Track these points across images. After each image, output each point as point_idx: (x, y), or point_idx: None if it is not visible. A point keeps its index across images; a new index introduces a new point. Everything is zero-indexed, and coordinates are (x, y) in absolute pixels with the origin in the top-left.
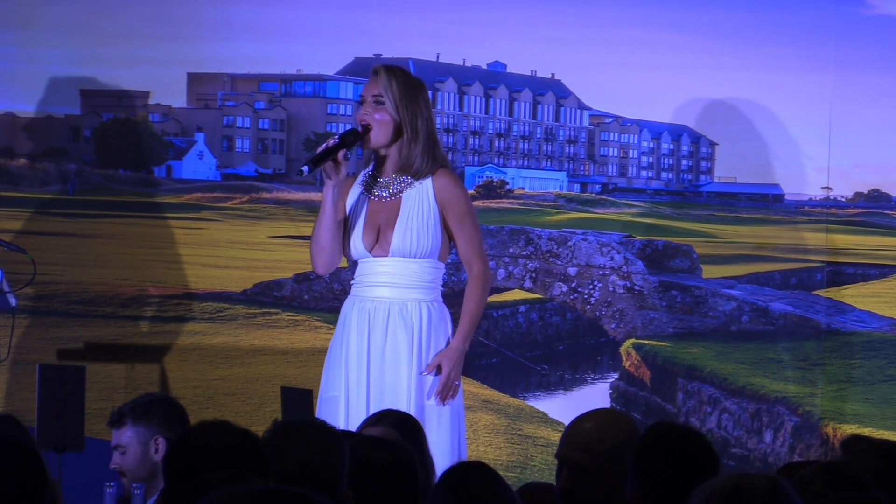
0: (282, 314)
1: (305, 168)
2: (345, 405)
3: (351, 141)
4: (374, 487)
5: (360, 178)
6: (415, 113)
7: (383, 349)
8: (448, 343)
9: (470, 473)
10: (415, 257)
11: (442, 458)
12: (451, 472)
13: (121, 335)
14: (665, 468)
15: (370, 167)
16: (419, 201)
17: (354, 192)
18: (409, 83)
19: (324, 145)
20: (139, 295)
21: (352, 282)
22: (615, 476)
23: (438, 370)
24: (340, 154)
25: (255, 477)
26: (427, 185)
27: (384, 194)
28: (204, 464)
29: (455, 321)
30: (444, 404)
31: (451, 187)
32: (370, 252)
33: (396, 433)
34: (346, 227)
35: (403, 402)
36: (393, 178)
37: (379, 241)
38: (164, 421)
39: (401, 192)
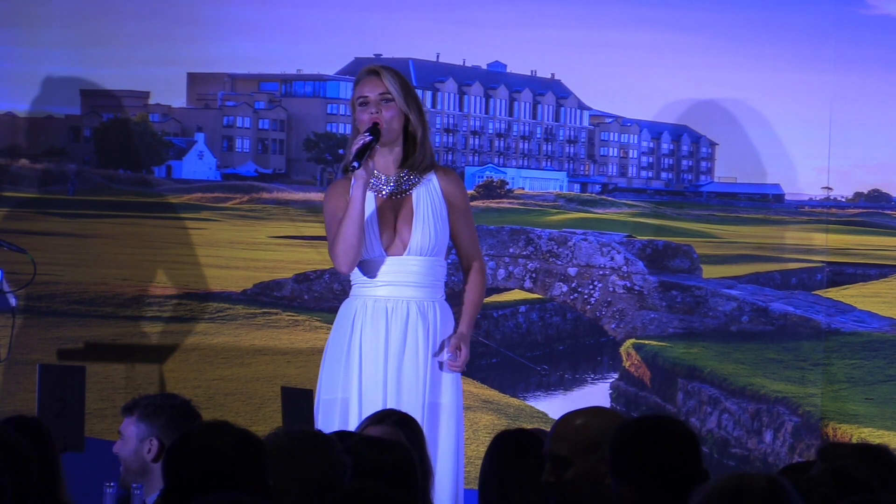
0: (282, 314)
1: (356, 163)
2: (357, 405)
3: (377, 137)
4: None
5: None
6: (418, 108)
7: (402, 348)
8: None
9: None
10: (429, 255)
11: (450, 454)
12: (505, 437)
13: (121, 335)
14: (644, 462)
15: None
16: (430, 198)
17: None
18: (405, 79)
19: (361, 141)
20: (139, 295)
21: (353, 281)
22: (595, 467)
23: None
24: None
25: (254, 477)
26: (432, 180)
27: (391, 190)
28: (204, 464)
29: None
30: (455, 371)
31: (457, 183)
32: (386, 251)
33: (399, 432)
34: None
35: (419, 401)
36: (397, 175)
37: (395, 239)
38: (166, 426)
39: (409, 189)
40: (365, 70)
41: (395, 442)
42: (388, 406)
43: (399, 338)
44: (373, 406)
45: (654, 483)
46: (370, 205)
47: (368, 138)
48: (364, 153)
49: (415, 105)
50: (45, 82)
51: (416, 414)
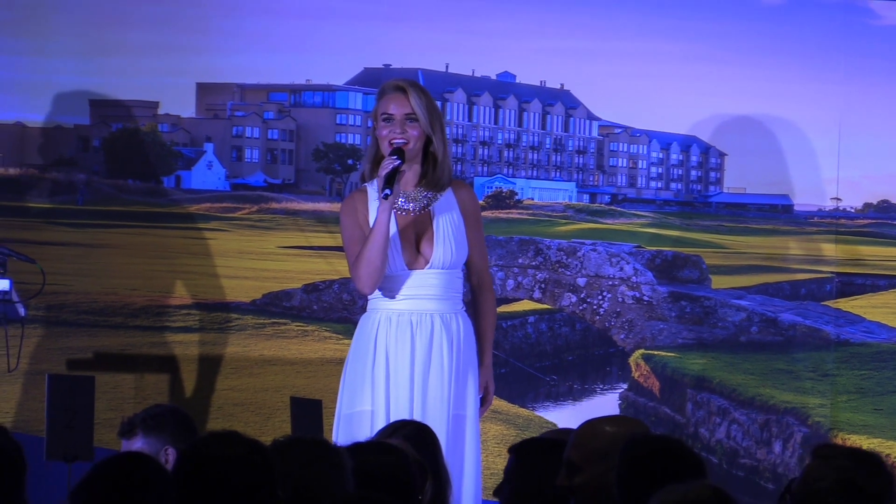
0: (291, 324)
1: (388, 191)
2: (384, 417)
3: (403, 160)
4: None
5: (374, 193)
6: (442, 127)
7: (428, 361)
8: (475, 355)
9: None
10: (450, 268)
11: (473, 466)
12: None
13: (130, 345)
14: (651, 484)
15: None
16: (448, 213)
17: (374, 206)
18: (430, 96)
19: (390, 165)
20: (149, 305)
21: (371, 296)
22: (604, 475)
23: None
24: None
25: (263, 488)
26: (449, 196)
27: (411, 207)
28: (213, 474)
29: None
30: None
31: (473, 199)
32: (408, 266)
33: (408, 445)
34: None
35: (444, 414)
36: (416, 192)
37: (416, 255)
38: (175, 432)
39: (428, 204)
40: (391, 85)
41: (390, 445)
42: (415, 418)
43: (424, 350)
44: (400, 417)
45: None
46: (391, 223)
47: (397, 162)
48: (394, 178)
49: (438, 124)
50: (54, 92)
51: (441, 426)
